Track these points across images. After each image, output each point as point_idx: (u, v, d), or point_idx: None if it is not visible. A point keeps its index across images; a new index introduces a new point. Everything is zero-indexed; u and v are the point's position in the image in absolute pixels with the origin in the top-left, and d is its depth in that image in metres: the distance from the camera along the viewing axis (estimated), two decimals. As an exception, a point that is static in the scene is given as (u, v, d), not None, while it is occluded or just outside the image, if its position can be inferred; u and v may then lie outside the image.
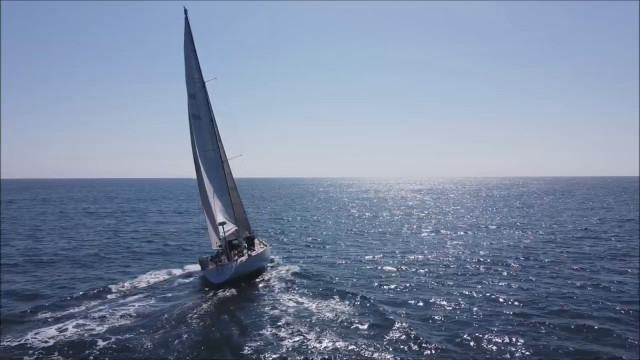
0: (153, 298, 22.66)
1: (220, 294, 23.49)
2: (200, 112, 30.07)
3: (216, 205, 29.21)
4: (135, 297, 22.89)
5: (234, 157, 32.68)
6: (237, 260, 25.52)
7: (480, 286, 24.94)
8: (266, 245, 30.45)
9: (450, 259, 32.93)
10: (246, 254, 26.84)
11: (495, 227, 52.34)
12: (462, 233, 47.27)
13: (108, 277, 27.63)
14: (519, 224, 55.18)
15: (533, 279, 26.50)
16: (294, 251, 37.59)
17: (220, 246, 27.49)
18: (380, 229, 51.62)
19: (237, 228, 30.72)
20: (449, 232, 47.93)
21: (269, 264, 30.86)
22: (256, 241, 31.27)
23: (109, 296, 23.19)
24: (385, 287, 24.90)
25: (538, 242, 39.90)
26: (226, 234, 28.80)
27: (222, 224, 26.29)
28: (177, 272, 28.87)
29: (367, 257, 33.94)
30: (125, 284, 25.31)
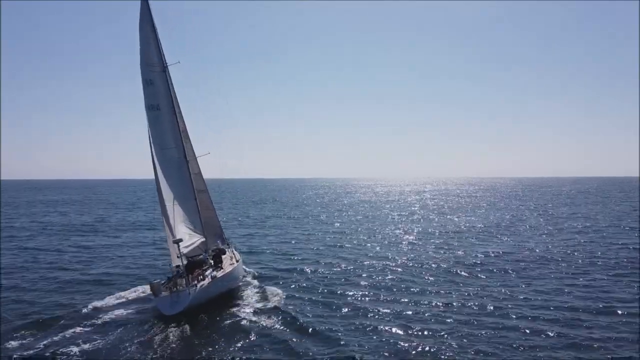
0: (81, 338, 17.93)
1: (172, 330, 18.78)
2: (159, 102, 25.19)
3: (177, 214, 24.47)
4: (57, 337, 18.13)
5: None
6: (196, 285, 20.76)
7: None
8: (238, 261, 25.71)
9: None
10: (209, 277, 22.04)
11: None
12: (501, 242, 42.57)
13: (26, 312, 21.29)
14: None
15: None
16: (278, 265, 32.88)
17: (177, 267, 22.82)
18: (389, 242, 46.93)
19: (204, 239, 25.98)
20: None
21: (242, 282, 26.20)
22: (228, 254, 26.56)
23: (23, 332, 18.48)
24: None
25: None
26: (190, 248, 24.12)
27: (178, 241, 21.43)
28: (121, 300, 23.09)
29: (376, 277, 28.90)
30: (43, 317, 20.20)
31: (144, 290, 23.98)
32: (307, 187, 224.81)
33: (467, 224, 54.19)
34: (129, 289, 24.92)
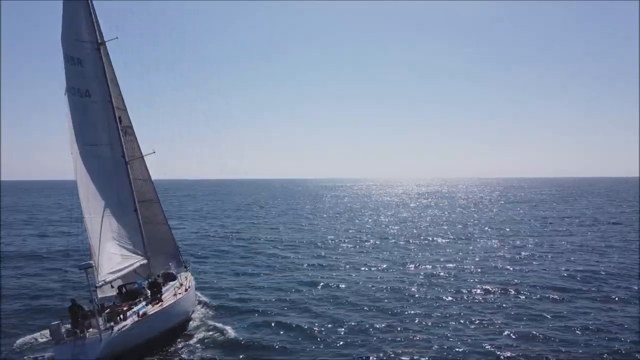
0: None
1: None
2: (89, 86, 19.88)
3: (106, 231, 18.98)
4: None
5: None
6: (112, 328, 15.17)
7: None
8: (188, 290, 20.17)
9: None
10: (132, 315, 16.33)
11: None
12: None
13: None
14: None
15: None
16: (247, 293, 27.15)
17: (118, 294, 17.54)
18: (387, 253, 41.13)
19: (145, 262, 20.46)
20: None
21: (191, 317, 20.62)
22: (176, 281, 21.01)
23: None
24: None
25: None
26: (119, 274, 18.64)
27: (86, 267, 15.70)
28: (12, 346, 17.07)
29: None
30: None
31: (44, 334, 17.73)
32: (308, 188, 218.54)
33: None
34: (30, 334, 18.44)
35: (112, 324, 15.36)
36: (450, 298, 23.92)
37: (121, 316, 15.88)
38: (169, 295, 18.97)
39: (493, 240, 43.10)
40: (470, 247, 39.44)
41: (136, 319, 16.17)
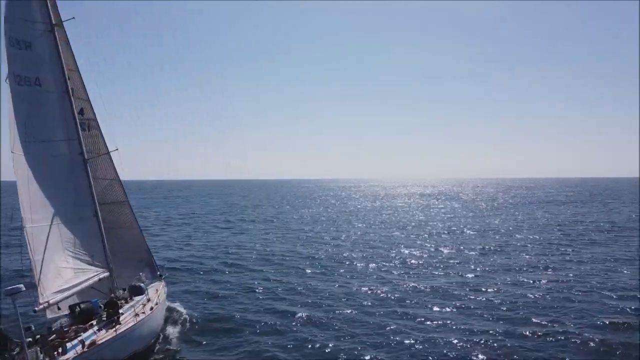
0: None
1: None
2: (39, 74, 17.25)
3: (56, 240, 16.48)
4: None
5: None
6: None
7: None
8: (154, 308, 17.65)
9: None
10: (73, 350, 13.64)
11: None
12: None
13: None
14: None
15: None
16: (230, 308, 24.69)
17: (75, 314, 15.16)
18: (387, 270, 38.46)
19: (107, 274, 17.99)
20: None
21: (158, 338, 18.16)
22: (145, 296, 18.53)
23: None
24: None
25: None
26: (72, 292, 16.19)
27: (14, 292, 13.08)
28: None
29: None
30: None
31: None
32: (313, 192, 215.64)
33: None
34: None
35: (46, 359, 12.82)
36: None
37: (60, 349, 13.26)
38: (129, 316, 16.39)
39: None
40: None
41: (80, 350, 13.60)
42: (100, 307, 16.63)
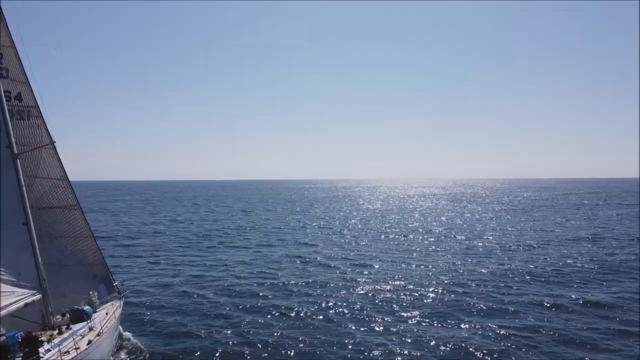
0: None
1: None
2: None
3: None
4: None
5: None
6: None
7: None
8: (100, 334, 14.18)
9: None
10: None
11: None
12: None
13: None
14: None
15: None
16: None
17: None
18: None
19: (39, 297, 14.54)
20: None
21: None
22: (88, 323, 15.06)
23: None
24: None
25: None
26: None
27: None
28: None
29: None
30: None
31: None
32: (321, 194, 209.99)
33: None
34: None
35: None
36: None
37: None
38: (53, 354, 12.83)
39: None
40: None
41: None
42: (19, 341, 13.13)
